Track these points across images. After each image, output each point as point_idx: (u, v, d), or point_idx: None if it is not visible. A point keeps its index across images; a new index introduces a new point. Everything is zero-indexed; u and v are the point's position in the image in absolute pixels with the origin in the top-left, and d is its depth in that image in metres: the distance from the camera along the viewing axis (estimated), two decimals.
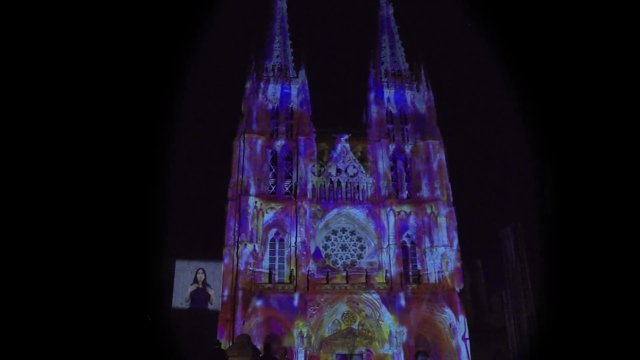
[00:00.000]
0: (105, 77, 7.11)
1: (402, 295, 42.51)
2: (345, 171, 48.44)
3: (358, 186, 47.95)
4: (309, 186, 46.71)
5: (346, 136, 50.02)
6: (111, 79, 7.18)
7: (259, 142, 47.52)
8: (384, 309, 41.83)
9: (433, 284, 43.79)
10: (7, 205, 6.05)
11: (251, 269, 42.15)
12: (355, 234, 47.18)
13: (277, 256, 45.24)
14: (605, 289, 7.05)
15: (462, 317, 41.84)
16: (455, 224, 46.55)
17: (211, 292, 39.53)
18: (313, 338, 40.65)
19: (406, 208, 47.34)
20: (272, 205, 46.06)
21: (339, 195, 47.45)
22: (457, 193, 48.47)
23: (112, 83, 7.20)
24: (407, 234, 47.10)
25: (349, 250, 46.73)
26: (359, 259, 46.34)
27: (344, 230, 47.28)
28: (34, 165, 6.31)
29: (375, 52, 54.26)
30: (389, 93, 52.18)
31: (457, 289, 43.58)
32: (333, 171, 48.36)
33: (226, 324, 39.91)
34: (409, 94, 52.39)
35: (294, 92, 50.83)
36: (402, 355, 40.51)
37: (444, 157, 49.07)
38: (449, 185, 48.07)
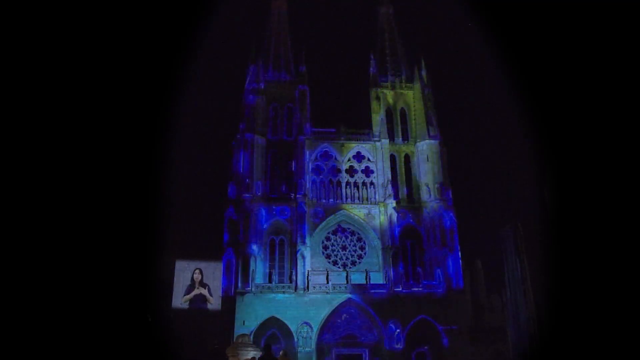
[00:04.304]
0: (105, 77, 7.11)
1: (402, 295, 42.54)
2: (345, 171, 48.45)
3: (358, 186, 47.96)
4: (309, 186, 46.72)
5: (346, 136, 50.01)
6: (112, 79, 7.18)
7: (259, 142, 47.55)
8: (384, 309, 41.84)
9: (433, 284, 43.84)
10: (7, 205, 6.05)
11: (251, 269, 42.16)
12: (355, 234, 47.17)
13: (277, 256, 45.27)
14: (605, 289, 7.06)
15: (458, 319, 42.03)
16: (455, 224, 46.56)
17: (205, 292, 39.45)
18: (313, 338, 40.65)
19: (406, 208, 47.38)
20: (272, 205, 46.09)
21: (339, 196, 47.44)
22: (457, 193, 48.54)
23: (113, 84, 7.20)
24: (407, 234, 47.13)
25: (349, 250, 46.73)
26: (359, 259, 46.34)
27: (344, 230, 47.27)
28: (35, 165, 6.31)
29: (375, 52, 54.25)
30: (389, 92, 52.20)
31: (457, 289, 43.62)
32: (333, 171, 48.35)
33: (226, 324, 39.92)
34: (409, 94, 52.40)
35: (293, 91, 50.82)
36: (402, 355, 40.55)
37: (444, 157, 49.11)
38: (449, 185, 48.11)
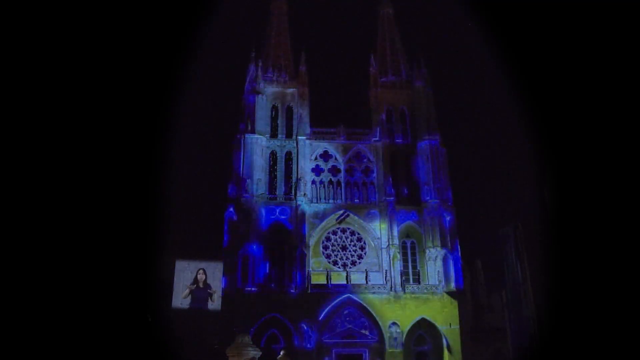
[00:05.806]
0: (106, 78, 7.11)
1: (402, 295, 42.56)
2: (345, 171, 48.45)
3: (358, 186, 47.99)
4: (309, 186, 46.73)
5: (346, 136, 50.00)
6: (113, 80, 7.19)
7: (259, 142, 47.53)
8: (384, 308, 41.86)
9: (433, 284, 43.83)
10: (8, 205, 6.06)
11: (251, 269, 42.17)
12: (355, 234, 47.17)
13: (277, 256, 45.25)
14: (604, 289, 7.06)
15: (457, 318, 42.04)
16: (455, 224, 46.56)
17: (212, 291, 39.54)
18: (313, 338, 40.66)
19: (406, 208, 47.36)
20: (272, 205, 46.10)
21: (339, 195, 47.46)
22: (457, 193, 48.53)
23: (114, 84, 7.20)
24: (407, 234, 47.14)
25: (349, 251, 46.73)
26: (359, 259, 46.34)
27: (344, 230, 47.27)
28: (36, 165, 6.31)
29: (375, 52, 54.21)
30: (389, 92, 52.14)
31: (457, 289, 43.62)
32: (333, 171, 48.35)
33: (226, 324, 39.90)
34: (409, 94, 52.34)
35: (293, 91, 50.81)
36: (402, 355, 40.57)
37: (444, 157, 49.08)
38: (449, 185, 48.09)
